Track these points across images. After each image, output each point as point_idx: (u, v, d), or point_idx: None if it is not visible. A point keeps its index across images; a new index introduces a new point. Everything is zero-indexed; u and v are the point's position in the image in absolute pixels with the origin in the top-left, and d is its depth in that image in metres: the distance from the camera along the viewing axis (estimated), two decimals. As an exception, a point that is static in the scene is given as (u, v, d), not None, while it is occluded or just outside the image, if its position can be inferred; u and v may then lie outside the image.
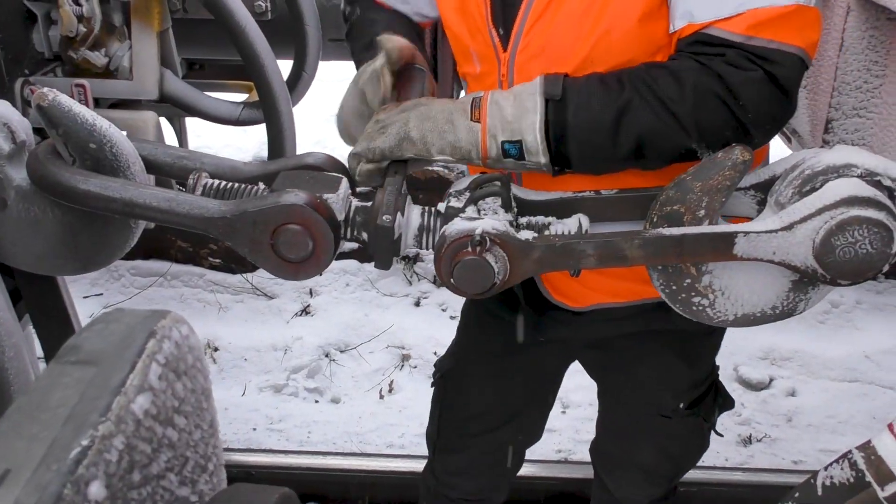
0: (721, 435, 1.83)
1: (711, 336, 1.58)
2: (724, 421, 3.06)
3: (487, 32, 1.26)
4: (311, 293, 3.68)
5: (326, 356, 3.38)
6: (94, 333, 0.41)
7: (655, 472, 1.74)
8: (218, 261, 3.80)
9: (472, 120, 1.12)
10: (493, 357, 1.66)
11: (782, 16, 1.07)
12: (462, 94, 1.49)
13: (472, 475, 1.78)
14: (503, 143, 1.11)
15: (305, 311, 3.62)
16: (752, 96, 1.06)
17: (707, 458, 2.88)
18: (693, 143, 1.09)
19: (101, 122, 1.14)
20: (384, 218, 1.08)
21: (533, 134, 1.10)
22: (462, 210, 1.10)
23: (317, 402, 3.17)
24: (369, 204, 1.11)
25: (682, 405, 1.62)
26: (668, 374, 1.59)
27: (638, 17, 1.14)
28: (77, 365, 0.39)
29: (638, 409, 1.66)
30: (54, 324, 1.44)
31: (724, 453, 2.91)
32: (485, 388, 1.68)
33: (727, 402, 1.71)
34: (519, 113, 1.11)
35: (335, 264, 3.74)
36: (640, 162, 1.14)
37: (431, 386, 1.78)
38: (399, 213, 1.09)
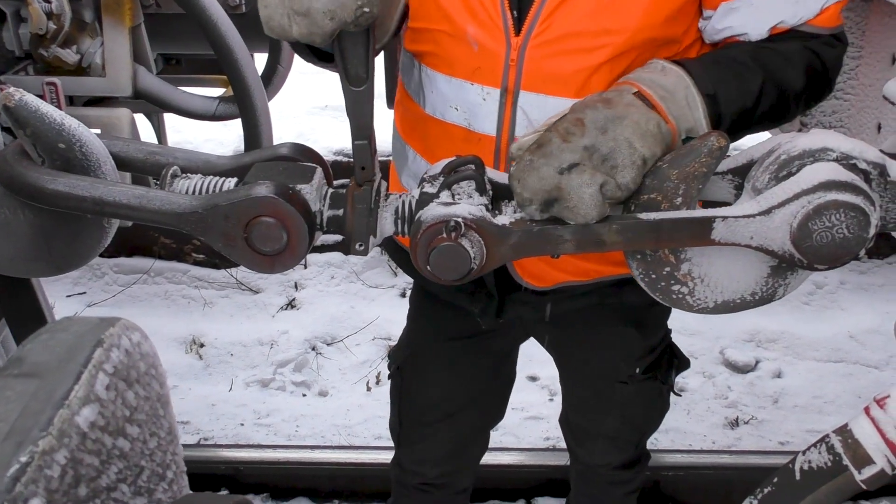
0: (679, 395, 1.88)
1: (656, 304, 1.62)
2: (710, 404, 3.09)
3: (499, 14, 1.23)
4: (296, 287, 3.67)
5: (313, 349, 3.37)
6: (39, 344, 0.40)
7: (620, 437, 1.78)
8: (202, 256, 3.78)
9: (663, 121, 1.07)
10: (449, 343, 1.66)
11: (841, 4, 1.25)
12: (415, 77, 1.38)
13: (436, 462, 1.80)
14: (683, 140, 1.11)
15: (291, 304, 3.60)
16: (837, 69, 1.28)
17: (694, 442, 2.91)
18: (799, 113, 1.28)
19: (69, 121, 1.12)
20: (357, 247, 1.08)
21: (704, 130, 1.13)
22: (436, 195, 1.09)
23: (304, 395, 3.16)
24: (340, 213, 1.09)
25: (638, 370, 1.65)
26: (622, 343, 1.62)
27: (665, 15, 1.21)
28: (20, 378, 0.37)
29: (596, 379, 1.70)
30: (30, 325, 1.42)
31: (712, 436, 2.92)
32: (442, 375, 1.69)
33: (683, 363, 1.76)
34: (687, 110, 1.12)
35: (319, 257, 3.72)
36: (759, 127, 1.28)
37: (388, 378, 1.79)
38: (372, 236, 1.08)
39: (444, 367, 1.69)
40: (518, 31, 1.23)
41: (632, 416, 1.74)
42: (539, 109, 1.26)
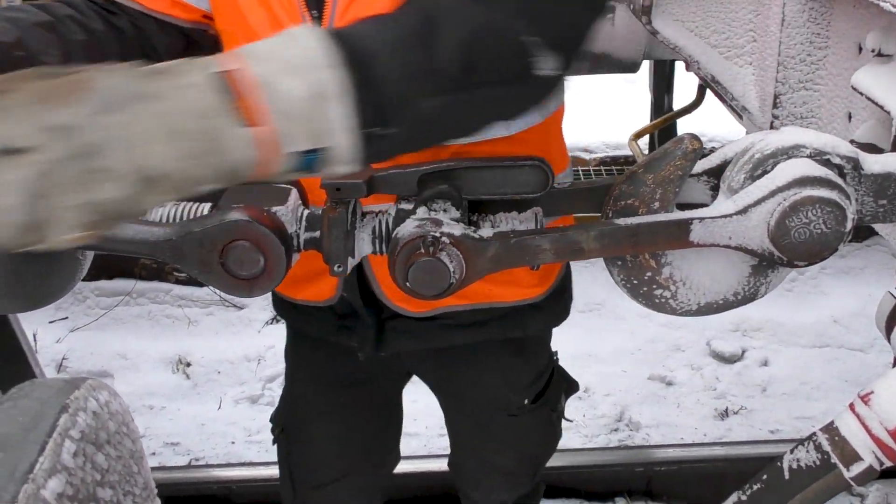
0: (571, 420, 1.78)
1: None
2: (699, 396, 3.10)
3: (300, 19, 1.14)
4: (280, 300, 3.65)
5: (300, 363, 3.36)
6: (2, 413, 0.39)
7: (516, 472, 1.70)
8: (183, 275, 3.75)
9: (240, 123, 0.68)
10: (332, 397, 1.58)
11: None
12: None
13: None
14: (303, 153, 0.74)
15: (276, 318, 3.58)
16: None
17: (685, 435, 2.92)
18: (531, 32, 0.83)
19: (36, 154, 1.10)
20: (336, 269, 1.06)
21: (345, 133, 0.73)
22: (412, 212, 1.09)
23: (294, 410, 3.15)
24: (317, 235, 1.09)
25: (527, 401, 1.58)
26: (508, 374, 1.55)
27: None
28: (-18, 452, 0.36)
29: (484, 414, 1.61)
30: (8, 358, 1.41)
31: (702, 428, 2.94)
32: (330, 431, 1.61)
33: (572, 387, 1.69)
34: (315, 101, 0.71)
35: (302, 269, 3.70)
36: (476, 86, 0.83)
37: (273, 443, 1.70)
38: (350, 257, 1.07)
39: (330, 424, 1.61)
40: None
41: (524, 450, 1.66)
42: None
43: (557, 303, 1.51)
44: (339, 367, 1.54)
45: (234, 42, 1.20)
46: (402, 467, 2.58)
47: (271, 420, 1.70)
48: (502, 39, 0.82)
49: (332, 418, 1.60)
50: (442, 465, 2.51)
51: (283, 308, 1.54)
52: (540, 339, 1.59)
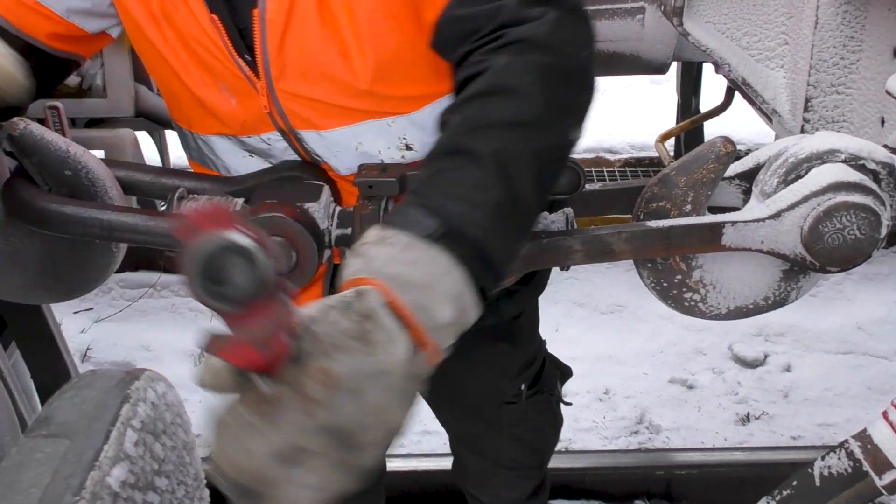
0: (570, 404, 1.76)
1: (523, 313, 1.54)
2: (720, 401, 3.08)
3: (233, 62, 1.07)
4: (302, 296, 3.67)
5: (321, 357, 3.36)
6: (66, 402, 0.40)
7: (522, 464, 1.68)
8: (207, 268, 3.78)
9: (421, 356, 0.73)
10: None
11: None
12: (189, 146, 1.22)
13: None
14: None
15: (297, 314, 3.60)
16: (565, 35, 0.89)
17: (706, 439, 2.90)
18: (572, 129, 0.88)
19: (74, 148, 1.12)
20: None
21: (475, 309, 0.79)
22: None
23: (314, 404, 3.16)
24: (348, 232, 1.09)
25: (523, 387, 1.57)
26: (499, 361, 1.53)
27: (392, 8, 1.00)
28: (49, 439, 0.37)
29: (481, 406, 1.59)
30: (42, 349, 1.43)
31: (723, 433, 2.92)
32: None
33: (566, 373, 1.69)
34: (460, 314, 0.77)
35: (325, 265, 3.71)
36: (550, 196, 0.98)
37: None
38: None
39: None
40: (258, 74, 1.07)
41: (526, 438, 1.64)
42: (324, 147, 1.14)
43: (527, 284, 1.44)
44: None
45: (166, 87, 1.16)
46: (413, 465, 2.60)
47: None
48: (557, 151, 0.87)
49: None
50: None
51: None
52: (528, 324, 1.57)
